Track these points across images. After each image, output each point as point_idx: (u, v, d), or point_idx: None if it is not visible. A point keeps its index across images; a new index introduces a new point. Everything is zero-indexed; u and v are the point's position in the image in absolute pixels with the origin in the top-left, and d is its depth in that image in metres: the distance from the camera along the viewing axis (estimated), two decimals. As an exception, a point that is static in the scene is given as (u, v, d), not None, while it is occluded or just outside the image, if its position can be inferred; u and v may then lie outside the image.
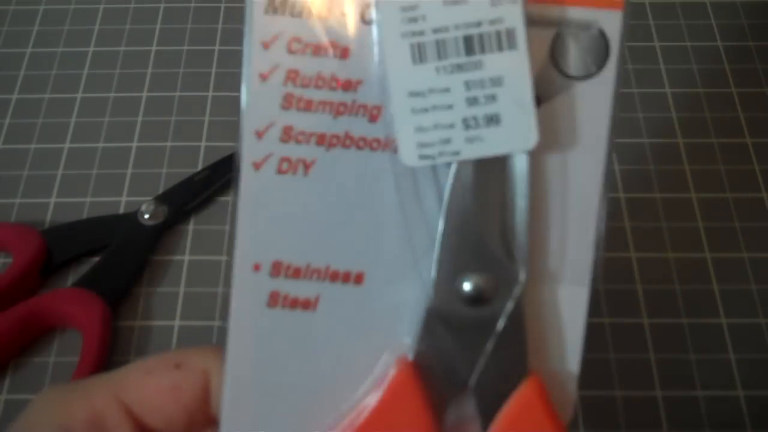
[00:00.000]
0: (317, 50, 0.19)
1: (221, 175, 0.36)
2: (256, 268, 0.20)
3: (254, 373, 0.20)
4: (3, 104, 0.39)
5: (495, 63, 0.19)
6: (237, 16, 0.43)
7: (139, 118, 0.39)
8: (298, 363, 0.20)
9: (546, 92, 0.19)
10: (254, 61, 0.19)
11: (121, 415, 0.19)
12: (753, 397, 0.31)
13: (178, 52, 0.41)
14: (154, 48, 0.41)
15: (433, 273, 0.19)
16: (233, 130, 0.38)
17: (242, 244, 0.20)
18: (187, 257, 0.34)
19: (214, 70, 0.40)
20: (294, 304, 0.20)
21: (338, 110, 0.20)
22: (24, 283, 0.32)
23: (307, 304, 0.20)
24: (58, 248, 0.34)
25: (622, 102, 0.39)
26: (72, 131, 0.38)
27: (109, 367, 0.31)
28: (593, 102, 0.19)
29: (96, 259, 0.34)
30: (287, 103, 0.20)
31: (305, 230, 0.20)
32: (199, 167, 0.37)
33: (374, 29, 0.19)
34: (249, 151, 0.20)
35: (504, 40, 0.19)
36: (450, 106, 0.19)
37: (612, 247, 0.35)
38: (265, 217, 0.20)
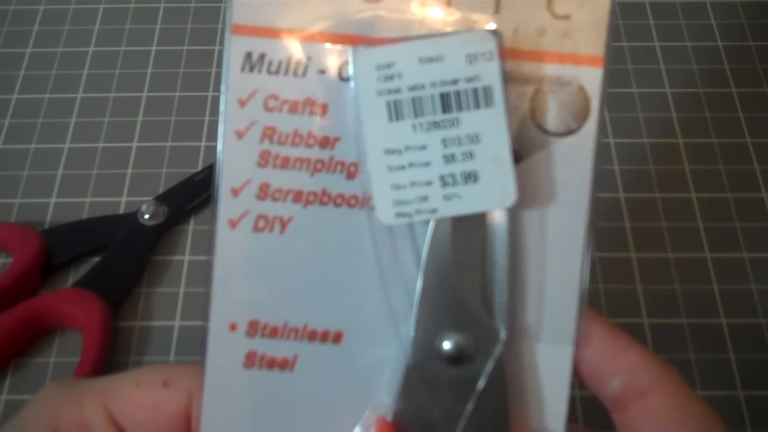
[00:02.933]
0: (294, 107, 0.19)
1: None
2: (233, 327, 0.19)
3: None
4: (3, 104, 0.39)
5: (472, 120, 0.18)
6: (237, 16, 0.43)
7: (139, 118, 0.39)
8: (275, 424, 0.19)
9: (526, 149, 0.19)
10: (230, 118, 0.19)
11: (107, 424, 0.19)
12: (753, 397, 0.31)
13: (178, 52, 0.41)
14: (154, 48, 0.41)
15: (411, 332, 0.19)
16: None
17: (218, 303, 0.19)
18: (187, 257, 0.34)
19: (214, 70, 0.40)
20: (271, 364, 0.19)
21: (315, 167, 0.19)
22: (24, 283, 0.32)
23: (285, 364, 0.19)
24: (58, 248, 0.34)
25: (622, 101, 0.39)
26: (72, 131, 0.38)
27: (109, 367, 0.31)
28: (574, 159, 0.19)
29: (96, 259, 0.34)
30: (264, 160, 0.19)
31: (282, 289, 0.20)
32: (199, 167, 0.37)
33: (351, 86, 0.19)
34: (225, 209, 0.19)
35: (481, 98, 0.18)
36: (427, 164, 0.18)
37: (612, 247, 0.35)
38: (241, 275, 0.19)
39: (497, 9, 0.19)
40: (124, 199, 0.36)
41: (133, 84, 0.40)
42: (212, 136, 0.38)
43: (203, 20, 0.42)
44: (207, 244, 0.36)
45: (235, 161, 0.19)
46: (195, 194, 0.36)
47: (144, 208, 0.35)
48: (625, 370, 0.18)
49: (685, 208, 0.36)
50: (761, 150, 0.38)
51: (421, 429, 0.18)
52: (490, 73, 0.18)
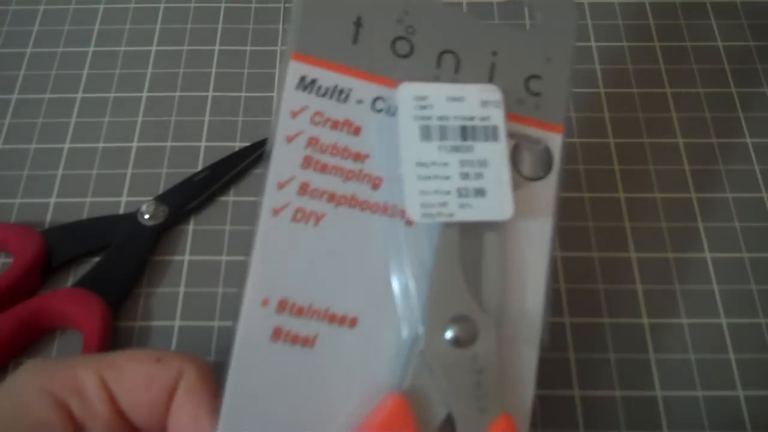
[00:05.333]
0: (335, 125, 0.23)
1: (221, 175, 0.36)
2: (265, 303, 0.22)
3: (251, 401, 0.21)
4: (3, 104, 0.39)
5: (482, 149, 0.23)
6: (237, 16, 0.43)
7: (139, 118, 0.39)
8: (293, 395, 0.22)
9: None
10: (283, 125, 0.23)
11: (101, 388, 0.20)
12: (753, 397, 0.31)
13: (178, 52, 0.41)
14: (154, 48, 0.41)
15: (421, 320, 0.22)
16: (233, 130, 0.39)
17: (254, 279, 0.22)
18: (187, 257, 0.34)
19: (214, 70, 0.40)
20: (295, 339, 0.22)
21: (348, 175, 0.23)
22: (24, 283, 0.32)
23: (306, 341, 0.22)
24: (58, 248, 0.34)
25: (622, 101, 0.39)
26: (72, 131, 0.38)
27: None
28: (541, 196, 0.24)
29: (96, 259, 0.34)
30: (306, 163, 0.23)
31: (311, 274, 0.22)
32: (199, 167, 0.37)
33: (381, 117, 0.24)
34: (270, 198, 0.22)
35: (489, 133, 0.23)
36: (448, 177, 0.23)
37: (612, 248, 0.35)
38: (277, 257, 0.22)
39: (491, 78, 0.24)
40: (124, 199, 0.36)
41: (133, 84, 0.40)
42: (212, 136, 0.38)
43: (203, 20, 0.42)
44: (211, 242, 0.36)
45: (283, 160, 0.23)
46: (195, 194, 0.36)
47: (144, 208, 0.35)
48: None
49: (685, 208, 0.36)
50: (761, 150, 0.38)
51: (427, 403, 0.21)
52: (497, 117, 0.23)
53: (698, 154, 0.38)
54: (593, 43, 0.41)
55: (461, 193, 0.22)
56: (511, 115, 0.24)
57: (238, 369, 0.21)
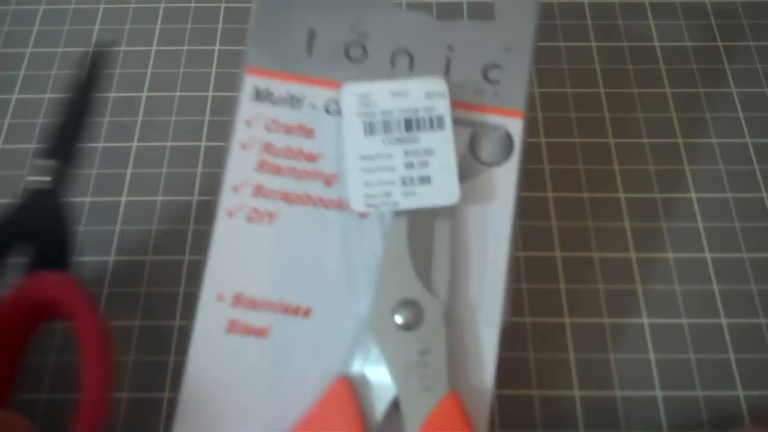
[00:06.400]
0: (289, 130, 0.25)
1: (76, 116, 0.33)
2: (220, 297, 0.24)
3: (209, 390, 0.23)
4: (3, 104, 0.39)
5: (428, 138, 0.24)
6: (237, 16, 0.43)
7: (139, 118, 0.39)
8: (249, 383, 0.23)
9: (465, 173, 0.25)
10: (238, 133, 0.25)
11: None
12: (753, 397, 0.31)
13: (178, 52, 0.41)
14: (154, 48, 0.41)
15: (369, 306, 0.23)
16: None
17: (210, 276, 0.24)
18: (187, 257, 0.34)
19: (214, 70, 0.40)
20: (249, 330, 0.23)
21: (301, 175, 0.24)
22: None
23: (261, 332, 0.23)
24: None
25: (622, 101, 0.39)
26: (72, 131, 0.38)
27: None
28: (501, 181, 0.25)
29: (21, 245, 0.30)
30: (261, 167, 0.25)
31: (265, 269, 0.24)
32: (199, 167, 0.37)
33: (333, 119, 0.25)
34: (226, 201, 0.24)
35: (435, 123, 0.24)
36: (392, 168, 0.24)
37: (612, 248, 0.35)
38: (233, 255, 0.24)
39: (447, 72, 0.26)
40: (123, 198, 0.36)
41: (134, 84, 0.40)
42: (212, 136, 0.38)
43: (203, 20, 0.42)
44: (207, 242, 0.36)
45: (237, 166, 0.24)
46: (68, 140, 0.32)
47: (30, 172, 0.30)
48: None
49: (685, 208, 0.36)
50: (761, 150, 0.38)
51: (374, 384, 0.22)
52: (442, 106, 0.24)
53: (698, 154, 0.38)
54: (593, 44, 0.41)
55: (405, 181, 0.24)
56: (469, 105, 0.25)
57: (196, 359, 0.23)
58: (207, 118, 0.39)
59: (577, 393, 0.31)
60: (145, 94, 0.40)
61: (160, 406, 0.30)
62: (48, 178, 0.31)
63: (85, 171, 0.37)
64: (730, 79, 0.40)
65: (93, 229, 0.35)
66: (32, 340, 0.31)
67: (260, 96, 0.25)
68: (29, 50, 0.41)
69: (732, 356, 0.32)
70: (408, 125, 0.24)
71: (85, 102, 0.34)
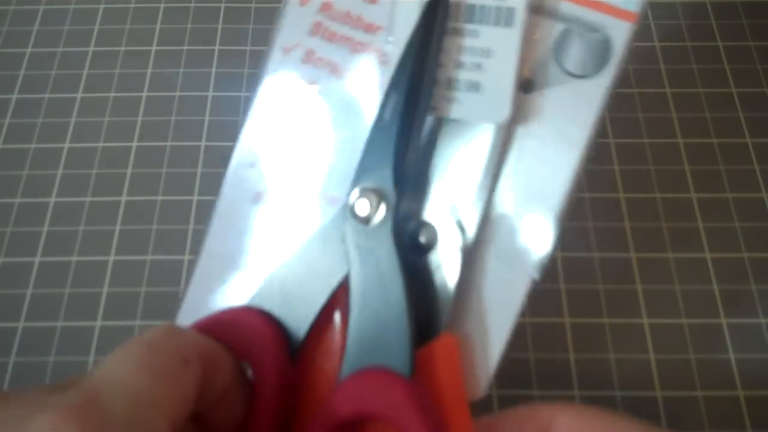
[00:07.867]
0: None
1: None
2: (252, 165, 0.22)
3: (223, 248, 0.22)
4: (3, 104, 0.39)
5: (489, 35, 0.19)
6: (237, 16, 0.43)
7: (139, 118, 0.39)
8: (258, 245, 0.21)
9: (541, 81, 0.20)
10: None
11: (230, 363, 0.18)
12: (753, 397, 0.31)
13: (178, 52, 0.41)
14: (154, 48, 0.41)
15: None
16: (233, 129, 0.38)
17: (245, 140, 0.22)
18: (186, 257, 0.34)
19: (214, 70, 0.40)
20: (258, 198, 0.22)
21: (355, 48, 0.21)
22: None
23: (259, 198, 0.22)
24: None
25: (622, 102, 0.39)
26: (72, 131, 0.38)
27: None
28: (583, 101, 0.20)
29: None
30: (315, 29, 0.21)
31: (296, 137, 0.21)
32: (199, 167, 0.37)
33: None
34: (274, 66, 0.21)
35: (502, 17, 0.19)
36: (439, 64, 0.19)
37: (612, 248, 0.35)
38: (271, 121, 0.22)
39: None
40: (123, 198, 0.36)
41: (133, 84, 0.40)
42: (212, 136, 0.38)
43: (203, 20, 0.42)
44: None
45: (292, 24, 0.21)
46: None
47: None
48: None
49: (685, 208, 0.36)
50: (761, 150, 0.38)
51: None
52: None
53: (699, 154, 0.38)
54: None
55: (451, 84, 0.19)
56: None
57: (218, 224, 0.22)
58: (207, 118, 0.39)
59: (576, 393, 0.31)
60: (145, 94, 0.40)
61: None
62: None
63: (85, 171, 0.37)
64: (731, 79, 0.40)
65: (93, 229, 0.35)
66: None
67: None
68: (29, 50, 0.41)
69: (732, 356, 0.32)
70: (470, 14, 0.20)
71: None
